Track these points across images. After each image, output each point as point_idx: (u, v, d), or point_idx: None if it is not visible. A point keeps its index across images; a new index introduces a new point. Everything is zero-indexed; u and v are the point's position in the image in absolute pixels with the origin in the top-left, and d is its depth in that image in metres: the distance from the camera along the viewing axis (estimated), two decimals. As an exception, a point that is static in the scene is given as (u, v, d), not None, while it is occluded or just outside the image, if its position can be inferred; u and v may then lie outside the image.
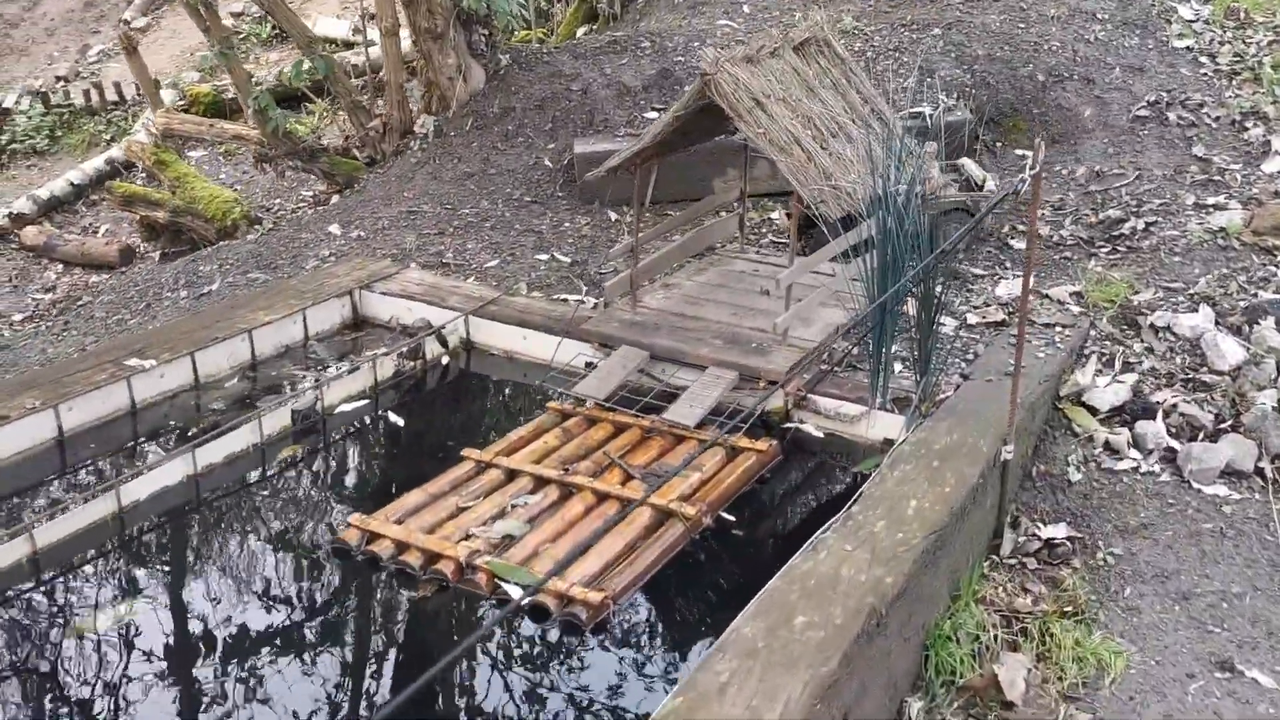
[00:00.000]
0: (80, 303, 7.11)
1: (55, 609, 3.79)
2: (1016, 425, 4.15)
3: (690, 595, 3.99)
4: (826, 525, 3.74)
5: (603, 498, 4.25)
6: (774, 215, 6.85)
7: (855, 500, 3.87)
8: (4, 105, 12.51)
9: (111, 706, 3.41)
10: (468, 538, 4.00)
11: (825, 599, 3.34)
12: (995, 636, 3.85)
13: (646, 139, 5.05)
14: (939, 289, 4.42)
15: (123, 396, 4.76)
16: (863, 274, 4.51)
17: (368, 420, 5.09)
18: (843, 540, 3.64)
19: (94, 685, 3.49)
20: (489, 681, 3.57)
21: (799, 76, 5.16)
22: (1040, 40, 7.42)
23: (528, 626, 3.76)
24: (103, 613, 3.75)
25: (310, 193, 9.53)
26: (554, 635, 3.70)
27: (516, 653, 3.68)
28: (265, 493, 4.55)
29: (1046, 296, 5.59)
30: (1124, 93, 7.15)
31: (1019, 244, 6.14)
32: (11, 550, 3.82)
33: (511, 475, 4.43)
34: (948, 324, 5.12)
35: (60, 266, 9.96)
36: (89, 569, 3.99)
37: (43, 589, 3.86)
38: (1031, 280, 5.73)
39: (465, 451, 4.53)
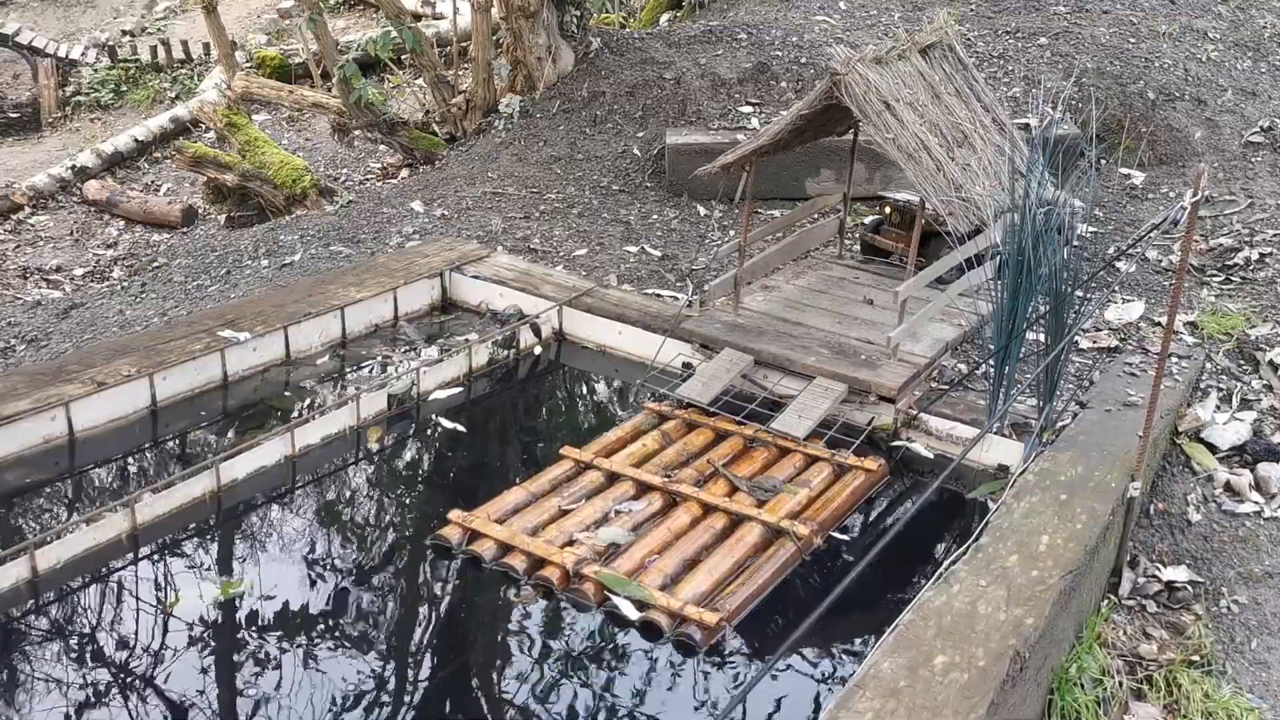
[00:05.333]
0: (156, 264, 7.01)
1: (154, 583, 3.68)
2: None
3: (808, 600, 3.81)
4: (955, 556, 3.58)
5: (709, 509, 4.10)
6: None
7: (982, 531, 3.71)
8: (70, 57, 12.44)
9: (201, 682, 3.30)
10: (572, 543, 3.86)
11: (964, 638, 3.18)
12: (1120, 683, 3.69)
13: (766, 137, 4.88)
14: (1073, 315, 4.24)
15: (216, 368, 4.65)
16: (992, 293, 4.33)
17: (459, 407, 4.94)
18: (975, 575, 3.47)
19: (185, 660, 3.37)
20: (592, 699, 3.41)
21: (925, 81, 4.97)
22: (1150, 57, 7.19)
23: (633, 643, 3.58)
24: (202, 590, 3.63)
25: (378, 164, 9.41)
26: (663, 653, 3.54)
27: (622, 670, 3.51)
28: (361, 477, 4.42)
29: (1159, 324, 5.39)
30: (1236, 116, 6.92)
31: (1126, 266, 5.95)
32: (114, 525, 3.71)
33: (612, 478, 4.28)
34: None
35: (122, 223, 9.88)
36: (188, 546, 3.88)
37: (142, 563, 3.75)
38: (1143, 306, 5.60)
39: (564, 450, 4.39)
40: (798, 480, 4.33)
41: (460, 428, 4.72)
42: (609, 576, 3.67)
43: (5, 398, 4.17)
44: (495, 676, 3.50)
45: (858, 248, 6.13)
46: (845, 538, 4.14)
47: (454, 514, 3.93)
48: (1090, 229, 6.31)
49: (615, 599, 3.60)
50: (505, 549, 3.82)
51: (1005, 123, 5.30)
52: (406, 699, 3.35)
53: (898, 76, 4.80)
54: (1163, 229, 3.71)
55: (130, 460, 4.33)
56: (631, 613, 3.56)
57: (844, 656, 3.61)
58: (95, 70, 12.35)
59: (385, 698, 3.32)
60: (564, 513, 4.06)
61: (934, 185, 4.53)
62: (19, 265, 8.95)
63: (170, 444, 4.44)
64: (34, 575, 3.53)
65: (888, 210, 5.77)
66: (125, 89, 12.28)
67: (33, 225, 9.79)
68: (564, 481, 4.26)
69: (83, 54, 12.57)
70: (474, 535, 3.88)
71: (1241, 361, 5.18)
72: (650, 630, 3.53)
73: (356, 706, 3.26)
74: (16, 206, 9.89)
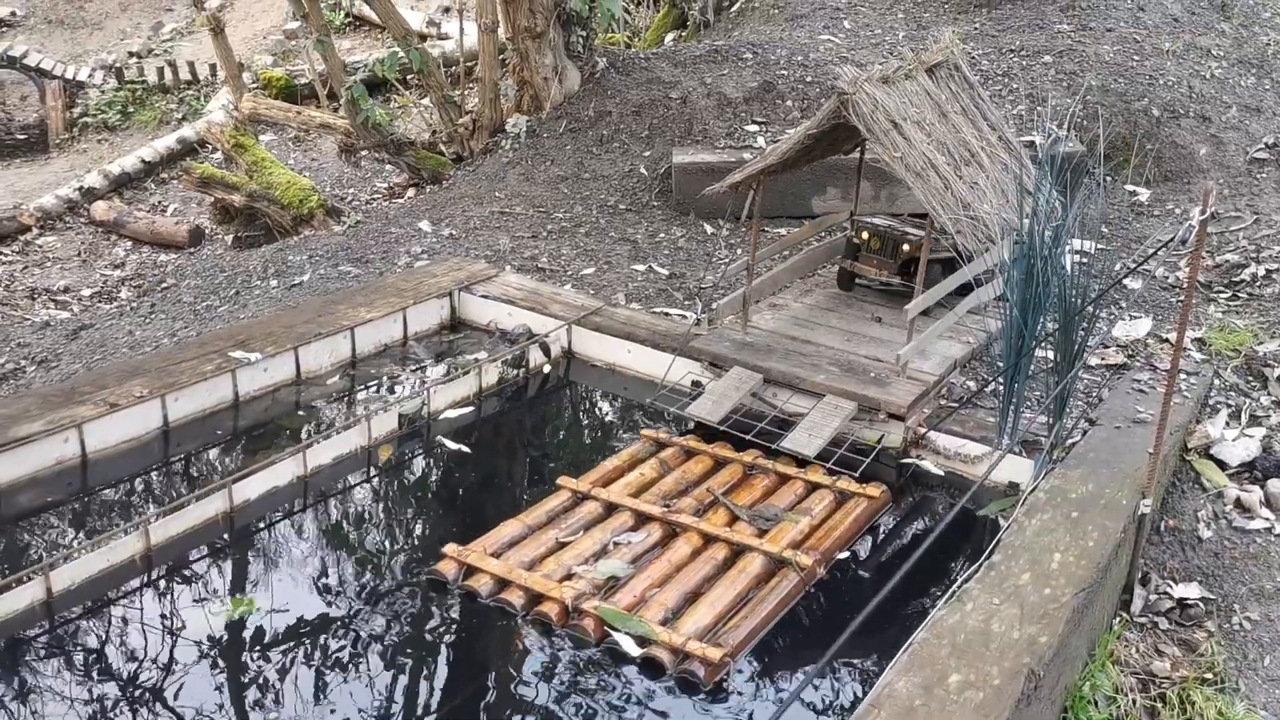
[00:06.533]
0: (164, 285, 7.04)
1: (167, 604, 3.69)
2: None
3: (812, 632, 3.81)
4: (967, 574, 3.58)
5: (709, 540, 4.03)
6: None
7: (994, 548, 3.71)
8: (78, 78, 12.52)
9: (210, 703, 3.30)
10: (570, 577, 3.78)
11: (978, 656, 3.19)
12: (1134, 701, 3.68)
13: (774, 156, 4.90)
14: (1081, 333, 4.26)
15: (227, 389, 4.66)
16: (1003, 312, 4.34)
17: (469, 426, 4.95)
18: (988, 593, 3.48)
19: (196, 681, 3.38)
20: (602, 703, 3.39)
21: (931, 100, 4.99)
22: (1155, 74, 7.22)
23: (634, 680, 3.50)
24: (213, 610, 3.64)
25: (385, 185, 9.45)
26: (666, 691, 3.47)
27: (623, 709, 3.42)
28: (371, 498, 4.42)
29: (1167, 341, 5.41)
30: (1240, 133, 6.95)
31: (1133, 283, 5.96)
32: (127, 546, 3.72)
33: (610, 509, 4.20)
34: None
35: (129, 244, 9.92)
36: (201, 566, 3.89)
37: (155, 584, 3.76)
38: (1150, 323, 5.62)
39: (561, 480, 4.32)
40: (799, 508, 4.27)
41: (465, 449, 4.71)
42: (609, 612, 3.59)
43: (18, 419, 4.19)
44: (491, 715, 3.46)
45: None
46: (851, 560, 4.11)
47: (449, 548, 3.84)
48: (1097, 246, 6.33)
49: (616, 635, 3.53)
50: (502, 584, 3.73)
51: (1011, 141, 5.32)
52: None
53: (904, 95, 4.83)
54: (1171, 247, 3.72)
55: (143, 481, 4.34)
56: (633, 649, 3.49)
57: (857, 676, 3.60)
58: (102, 92, 12.43)
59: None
60: (561, 545, 3.97)
61: (942, 203, 4.54)
62: (27, 286, 8.98)
63: (182, 465, 4.45)
64: (48, 596, 3.54)
65: (865, 236, 5.51)
66: (132, 110, 12.34)
67: (40, 246, 9.84)
68: (561, 513, 4.17)
69: (90, 75, 12.66)
70: (470, 570, 3.79)
71: (1250, 378, 5.19)
72: (652, 667, 3.45)
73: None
74: (24, 227, 9.94)
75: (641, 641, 3.51)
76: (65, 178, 11.07)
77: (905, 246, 5.36)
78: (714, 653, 3.43)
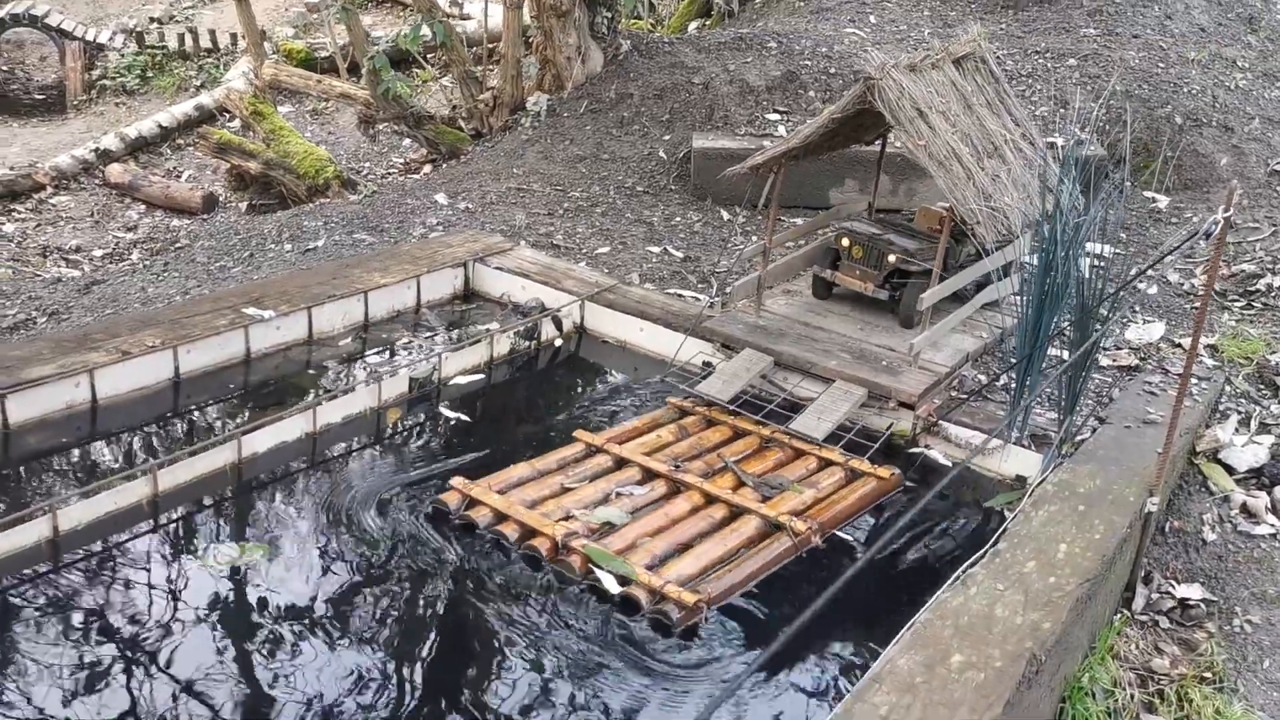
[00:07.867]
0: (178, 245, 7.04)
1: (172, 549, 3.71)
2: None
3: (798, 612, 3.78)
4: (973, 560, 3.58)
5: (711, 500, 4.13)
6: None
7: (1000, 537, 3.71)
8: (98, 41, 12.52)
9: (204, 646, 3.32)
10: (567, 518, 3.92)
11: (981, 639, 3.19)
12: (1131, 696, 3.68)
13: (796, 139, 4.89)
14: (1097, 329, 4.25)
15: (239, 344, 4.67)
16: (1018, 305, 4.34)
17: (477, 393, 4.96)
18: (993, 579, 3.48)
19: (194, 623, 3.39)
20: (599, 688, 3.39)
21: (957, 91, 4.99)
22: (1179, 82, 7.20)
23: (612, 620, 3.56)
24: (216, 556, 3.65)
25: (401, 159, 9.45)
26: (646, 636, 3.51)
27: (611, 644, 3.48)
28: (377, 456, 4.42)
29: (1180, 346, 5.40)
30: (1262, 144, 6.93)
31: (1148, 288, 5.95)
32: (135, 490, 3.72)
33: (621, 463, 4.32)
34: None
35: (142, 207, 9.93)
36: (206, 514, 3.91)
37: (161, 529, 3.78)
38: (1164, 327, 5.61)
39: (577, 433, 4.44)
40: (807, 481, 4.32)
41: (465, 417, 4.73)
42: (595, 551, 3.71)
43: (30, 361, 4.20)
44: (469, 644, 3.50)
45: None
46: (853, 541, 4.12)
47: (456, 481, 4.00)
48: (1114, 250, 6.32)
49: (599, 572, 3.64)
50: (500, 518, 3.88)
51: (1035, 137, 5.31)
52: (387, 672, 3.34)
53: (930, 85, 4.82)
54: (1194, 243, 3.71)
55: (152, 429, 4.35)
56: (613, 586, 3.60)
57: (859, 656, 3.61)
58: (122, 55, 12.42)
59: (368, 666, 3.32)
60: (566, 490, 4.11)
61: (963, 194, 4.53)
62: (39, 244, 8.99)
63: (192, 416, 4.46)
64: (55, 535, 3.55)
65: (846, 243, 5.20)
66: (151, 75, 12.33)
67: (54, 205, 9.84)
68: (572, 462, 4.30)
69: (110, 39, 12.65)
70: (472, 502, 3.94)
71: (1261, 386, 5.18)
72: (630, 606, 3.56)
73: (344, 673, 3.28)
74: (39, 186, 9.94)
75: (622, 581, 3.61)
76: (81, 139, 11.07)
77: (890, 258, 5.11)
78: (689, 597, 3.51)
